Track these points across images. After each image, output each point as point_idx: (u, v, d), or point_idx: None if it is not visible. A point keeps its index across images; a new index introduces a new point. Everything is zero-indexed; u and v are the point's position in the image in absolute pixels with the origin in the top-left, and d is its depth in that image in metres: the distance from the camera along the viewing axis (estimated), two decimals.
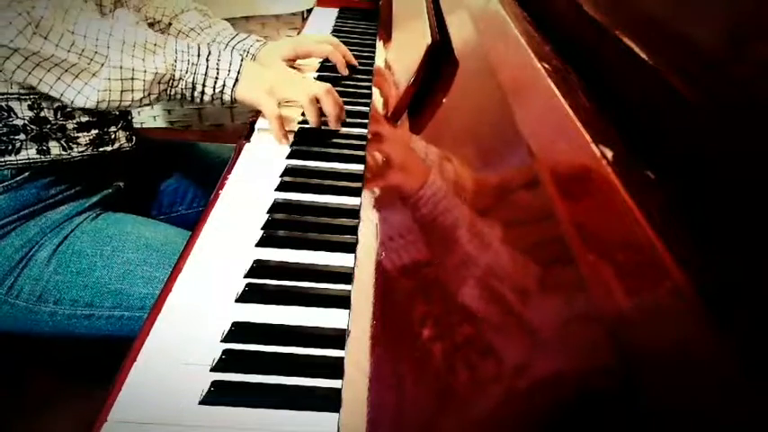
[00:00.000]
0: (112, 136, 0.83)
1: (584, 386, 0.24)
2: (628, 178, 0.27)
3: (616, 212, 0.26)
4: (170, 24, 0.98)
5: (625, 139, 0.31)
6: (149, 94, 0.74)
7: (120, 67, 0.71)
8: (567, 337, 0.26)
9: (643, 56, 0.33)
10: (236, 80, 0.78)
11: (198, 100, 0.79)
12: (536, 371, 0.27)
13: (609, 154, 0.29)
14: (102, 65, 0.70)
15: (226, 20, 1.02)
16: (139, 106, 0.75)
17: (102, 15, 0.80)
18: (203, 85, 0.77)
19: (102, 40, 0.70)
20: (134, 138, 0.89)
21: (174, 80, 0.76)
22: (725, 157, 0.27)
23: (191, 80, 0.77)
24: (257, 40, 0.98)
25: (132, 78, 0.72)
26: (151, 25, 0.97)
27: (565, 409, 0.25)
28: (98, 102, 0.71)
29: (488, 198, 0.40)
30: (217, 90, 0.78)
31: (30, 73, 0.68)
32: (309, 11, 1.45)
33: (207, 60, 0.77)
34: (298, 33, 1.29)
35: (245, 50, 0.97)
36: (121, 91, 0.72)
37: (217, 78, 0.77)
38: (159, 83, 0.75)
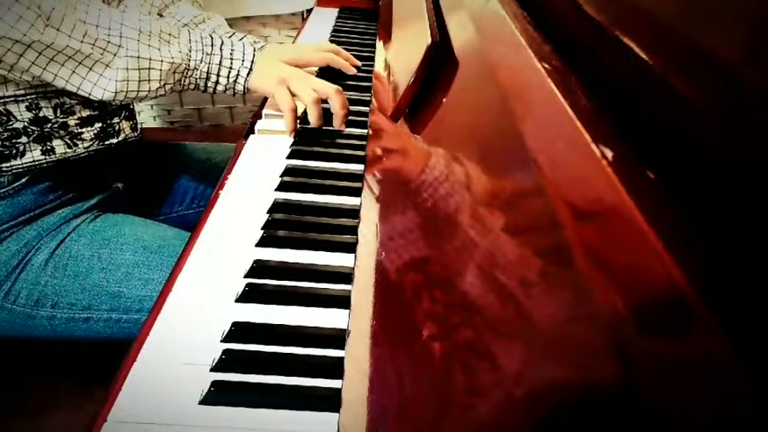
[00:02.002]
0: (117, 127, 0.83)
1: (586, 390, 0.24)
2: (628, 178, 0.27)
3: (616, 213, 0.26)
4: (159, 15, 0.96)
5: (625, 139, 0.31)
6: (165, 84, 0.75)
7: (138, 57, 0.71)
8: (567, 340, 0.26)
9: (643, 56, 0.33)
10: (250, 69, 0.79)
11: (211, 89, 0.79)
12: (537, 374, 0.27)
13: (609, 154, 0.29)
14: (115, 54, 0.70)
15: (226, 20, 1.01)
16: (155, 97, 0.76)
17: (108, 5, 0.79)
18: (217, 75, 0.78)
19: (114, 30, 0.70)
20: (138, 127, 0.89)
21: (188, 70, 0.76)
22: (726, 156, 0.27)
23: (205, 70, 0.77)
24: (255, 41, 0.97)
25: (149, 68, 0.72)
26: None
27: (566, 413, 0.25)
28: (116, 92, 0.71)
29: (489, 199, 0.40)
30: (230, 80, 0.79)
31: (44, 69, 0.68)
32: (309, 11, 1.45)
33: (221, 50, 0.77)
34: (297, 33, 1.28)
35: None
36: (139, 81, 0.72)
37: (231, 68, 0.78)
38: (175, 72, 0.75)
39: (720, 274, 0.22)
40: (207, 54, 0.77)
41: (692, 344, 0.20)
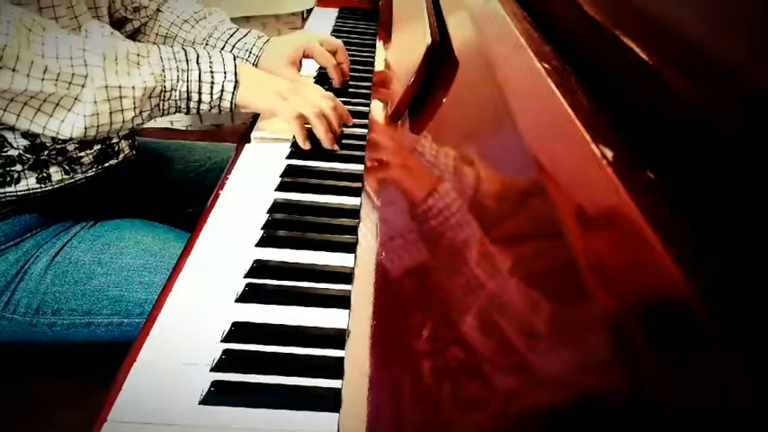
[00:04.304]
0: (116, 147, 0.80)
1: (592, 400, 0.24)
2: (628, 178, 0.27)
3: (617, 214, 0.26)
4: (158, 11, 0.93)
5: (625, 139, 0.31)
6: (141, 112, 0.68)
7: (106, 87, 0.64)
8: (566, 349, 0.26)
9: (642, 55, 0.33)
10: (236, 83, 0.72)
11: (195, 110, 0.73)
12: (529, 392, 0.27)
13: (609, 154, 0.29)
14: (83, 86, 0.63)
15: None
16: (131, 127, 0.69)
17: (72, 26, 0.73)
18: (199, 93, 0.71)
19: (77, 59, 0.62)
20: (135, 143, 0.87)
21: (165, 91, 0.69)
22: (725, 156, 0.27)
23: (184, 89, 0.70)
24: (259, 37, 0.93)
25: (120, 97, 0.65)
26: (136, 10, 0.90)
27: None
28: (86, 128, 0.64)
29: (486, 200, 0.40)
30: (215, 96, 0.72)
31: (5, 110, 0.62)
32: (309, 11, 1.45)
33: (198, 64, 0.70)
34: None
35: (247, 50, 0.92)
36: (110, 112, 0.65)
37: (213, 83, 0.71)
38: (150, 97, 0.68)
39: (723, 274, 0.22)
40: (183, 71, 0.69)
41: (696, 350, 0.20)
